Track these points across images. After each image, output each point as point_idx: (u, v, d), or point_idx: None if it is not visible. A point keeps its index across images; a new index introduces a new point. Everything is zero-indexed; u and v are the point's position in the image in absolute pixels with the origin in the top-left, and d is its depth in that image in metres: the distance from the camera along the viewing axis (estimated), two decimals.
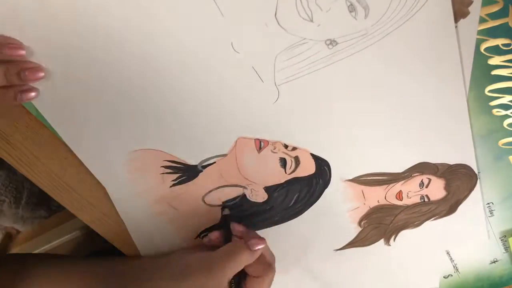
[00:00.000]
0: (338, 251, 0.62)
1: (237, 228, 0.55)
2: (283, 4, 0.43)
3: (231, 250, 0.51)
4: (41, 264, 0.53)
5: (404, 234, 0.61)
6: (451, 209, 0.59)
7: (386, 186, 0.56)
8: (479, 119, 0.52)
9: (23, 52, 0.40)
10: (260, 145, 0.52)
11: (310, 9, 0.43)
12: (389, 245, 0.62)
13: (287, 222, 0.59)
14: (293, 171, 0.54)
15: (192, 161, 0.52)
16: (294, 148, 0.52)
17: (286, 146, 0.52)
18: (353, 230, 0.60)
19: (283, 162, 0.53)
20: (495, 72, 0.49)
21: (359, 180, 0.56)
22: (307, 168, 0.54)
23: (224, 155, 0.52)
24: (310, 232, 0.60)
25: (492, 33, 0.47)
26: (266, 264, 0.53)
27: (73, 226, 0.66)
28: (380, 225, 0.60)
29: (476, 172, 0.56)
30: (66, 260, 0.56)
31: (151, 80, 0.46)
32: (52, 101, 0.45)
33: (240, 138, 0.51)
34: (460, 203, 0.59)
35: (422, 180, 0.56)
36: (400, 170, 0.55)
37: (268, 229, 0.59)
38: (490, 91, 0.51)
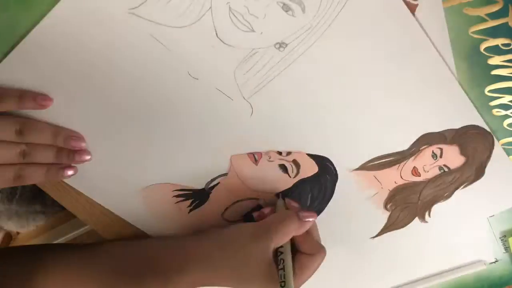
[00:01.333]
0: (376, 238, 0.60)
1: (292, 203, 0.53)
2: (220, 23, 0.43)
3: (280, 217, 0.49)
4: (59, 255, 0.52)
5: (438, 208, 0.58)
6: (478, 173, 0.55)
7: (397, 166, 0.54)
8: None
9: (84, 145, 0.47)
10: (255, 157, 0.52)
11: (247, 20, 0.43)
12: (426, 221, 0.59)
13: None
14: (297, 174, 0.54)
15: (198, 185, 0.54)
16: (288, 153, 0.52)
17: (280, 153, 0.52)
18: (382, 215, 0.58)
19: (284, 168, 0.53)
20: (495, 72, 0.48)
21: (366, 167, 0.54)
22: (310, 168, 0.53)
23: (225, 174, 0.54)
24: (340, 227, 0.59)
25: (492, 33, 0.46)
26: (317, 243, 0.50)
27: (73, 226, 0.66)
28: (408, 204, 0.57)
29: (488, 129, 0.51)
30: (86, 248, 0.55)
31: (139, 126, 0.49)
32: None
33: (233, 156, 0.52)
34: (485, 164, 0.54)
35: (433, 151, 0.53)
36: (405, 147, 0.52)
37: None
38: (490, 91, 0.49)
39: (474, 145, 0.52)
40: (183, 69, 0.46)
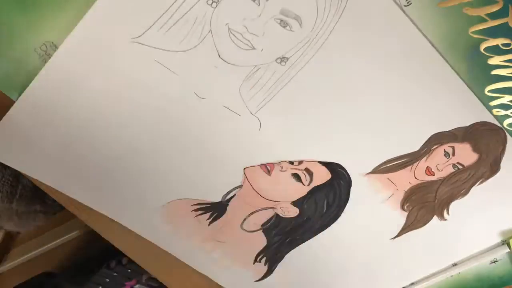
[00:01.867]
0: (395, 239, 0.60)
1: None
2: (221, 45, 0.44)
3: None
4: None
5: (456, 206, 0.57)
6: (494, 168, 0.54)
7: (410, 167, 0.54)
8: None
9: None
10: (267, 169, 0.53)
11: (247, 39, 0.44)
12: (445, 219, 0.58)
13: (330, 228, 0.59)
14: (310, 181, 0.54)
15: (215, 198, 0.56)
16: (300, 162, 0.53)
17: (292, 163, 0.53)
18: (399, 216, 0.58)
19: (297, 177, 0.54)
20: (495, 72, 0.48)
21: (379, 170, 0.54)
22: (323, 175, 0.54)
23: (240, 186, 0.55)
24: (359, 230, 0.59)
25: (492, 33, 0.45)
26: None
27: (73, 226, 0.66)
28: (425, 204, 0.57)
29: (499, 125, 0.51)
30: None
31: (154, 147, 0.51)
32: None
33: (245, 168, 0.53)
34: (500, 159, 0.53)
35: (445, 150, 0.53)
36: (416, 148, 0.53)
37: (319, 238, 0.60)
38: (490, 91, 0.49)
39: (486, 141, 0.52)
40: (190, 90, 0.47)
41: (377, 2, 0.43)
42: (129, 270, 0.68)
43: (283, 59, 0.46)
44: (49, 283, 0.60)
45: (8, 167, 0.50)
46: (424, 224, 0.59)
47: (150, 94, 0.47)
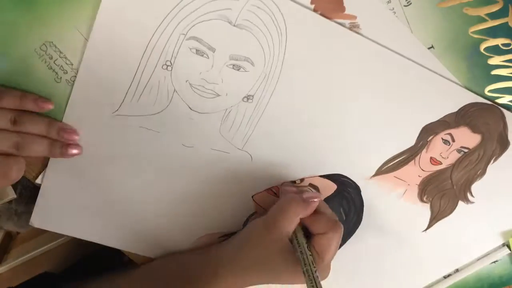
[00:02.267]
0: (427, 231, 0.60)
1: (288, 189, 0.52)
2: (188, 100, 0.48)
3: (282, 203, 0.49)
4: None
5: (478, 187, 0.56)
6: (503, 144, 0.52)
7: (413, 161, 0.53)
8: None
9: (77, 137, 0.49)
10: (274, 192, 0.56)
11: (209, 89, 0.47)
12: (472, 202, 0.57)
13: (355, 235, 0.60)
14: (317, 196, 0.56)
15: (237, 228, 0.59)
16: (302, 179, 0.55)
17: (294, 182, 0.55)
18: (422, 208, 0.57)
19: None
20: (495, 72, 0.48)
21: (383, 171, 0.54)
22: (328, 187, 0.55)
23: (255, 213, 0.58)
24: (385, 230, 0.59)
25: (492, 33, 0.46)
26: (329, 220, 0.48)
27: None
28: (444, 191, 0.56)
29: (490, 103, 0.48)
30: (121, 277, 0.57)
31: (169, 196, 0.55)
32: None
33: (254, 196, 0.56)
34: (506, 134, 0.51)
35: (442, 138, 0.51)
36: (413, 143, 0.52)
37: (352, 244, 0.61)
38: (490, 91, 0.49)
39: (484, 120, 0.50)
40: (177, 142, 0.51)
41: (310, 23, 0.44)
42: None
43: (249, 97, 0.48)
44: (49, 283, 0.60)
45: None
46: (451, 211, 0.58)
47: (147, 157, 0.51)
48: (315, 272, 0.44)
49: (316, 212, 0.49)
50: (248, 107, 0.49)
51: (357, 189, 0.56)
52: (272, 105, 0.49)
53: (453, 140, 0.51)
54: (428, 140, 0.52)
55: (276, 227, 0.48)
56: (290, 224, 0.48)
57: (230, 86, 0.47)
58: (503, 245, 0.61)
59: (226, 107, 0.49)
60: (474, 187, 0.56)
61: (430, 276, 0.62)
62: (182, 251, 0.58)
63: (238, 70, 0.46)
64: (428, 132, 0.51)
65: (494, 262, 0.62)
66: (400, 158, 0.53)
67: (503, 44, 0.46)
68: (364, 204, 0.57)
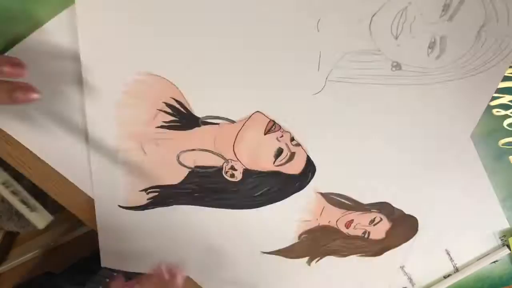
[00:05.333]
0: (265, 255, 0.62)
1: None
2: (386, 10, 0.43)
3: None
4: None
5: (328, 261, 0.64)
6: (379, 252, 0.64)
7: (345, 211, 0.59)
8: (479, 119, 0.53)
9: (24, 71, 0.39)
10: (272, 128, 0.50)
11: (403, 27, 0.44)
12: (309, 265, 0.64)
13: (238, 211, 0.57)
14: (282, 164, 0.53)
15: (198, 112, 0.48)
16: (297, 144, 0.52)
17: (292, 139, 0.51)
18: (290, 240, 0.61)
19: (279, 153, 0.52)
20: None
21: (328, 197, 0.57)
22: (295, 168, 0.54)
23: (231, 121, 0.49)
24: (250, 226, 0.59)
25: None
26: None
27: (73, 226, 0.68)
28: (315, 243, 0.62)
29: (418, 228, 0.62)
30: None
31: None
32: None
33: (258, 112, 0.49)
34: (389, 249, 0.64)
35: (375, 218, 0.60)
36: (365, 202, 0.59)
37: (219, 213, 0.57)
38: None
39: (400, 231, 0.62)
40: (319, 15, 0.43)
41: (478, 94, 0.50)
42: None
43: (397, 66, 0.47)
44: (49, 283, 0.62)
45: (9, 167, 0.50)
46: (295, 258, 0.63)
47: None
48: None
49: None
50: (385, 69, 0.48)
51: (297, 190, 0.56)
52: (387, 90, 0.49)
53: (374, 224, 0.61)
54: (371, 210, 0.59)
55: None
56: None
57: (408, 45, 0.46)
58: (503, 245, 0.64)
59: (381, 49, 0.46)
60: (326, 259, 0.64)
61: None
62: None
63: (429, 47, 0.46)
64: (380, 206, 0.59)
65: (494, 262, 0.64)
66: (346, 202, 0.58)
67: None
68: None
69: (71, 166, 0.51)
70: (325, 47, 0.45)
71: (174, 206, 0.55)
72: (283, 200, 0.57)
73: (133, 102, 0.47)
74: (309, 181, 0.56)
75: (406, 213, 0.61)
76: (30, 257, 0.67)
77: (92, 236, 0.58)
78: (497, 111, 0.53)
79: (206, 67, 0.45)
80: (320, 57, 0.46)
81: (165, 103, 0.47)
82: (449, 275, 0.69)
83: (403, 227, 0.62)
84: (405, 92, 0.49)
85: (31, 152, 0.49)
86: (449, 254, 0.67)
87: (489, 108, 0.53)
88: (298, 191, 0.56)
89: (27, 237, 0.71)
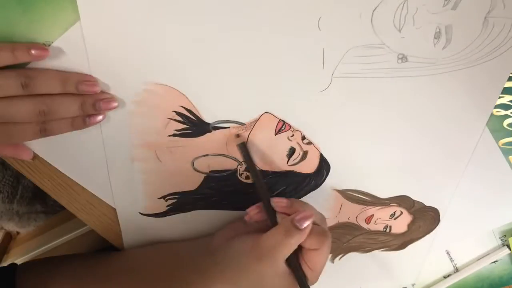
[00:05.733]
0: None
1: (279, 203, 0.50)
2: (387, 4, 0.43)
3: (279, 236, 0.47)
4: (64, 264, 0.55)
5: (351, 257, 0.64)
6: (402, 246, 0.64)
7: (363, 207, 0.59)
8: None
9: (98, 88, 0.44)
10: (282, 127, 0.50)
11: (405, 19, 0.44)
12: (333, 262, 0.64)
13: None
14: (295, 164, 0.54)
15: (208, 118, 0.49)
16: (309, 143, 0.52)
17: (303, 138, 0.52)
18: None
19: (291, 152, 0.53)
20: None
21: (345, 194, 0.57)
22: (309, 166, 0.54)
23: (242, 124, 0.50)
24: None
25: None
26: (319, 234, 0.48)
27: (73, 226, 0.67)
28: (337, 240, 0.62)
29: (441, 219, 0.61)
30: (87, 257, 0.58)
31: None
32: None
33: (266, 113, 0.49)
34: (412, 242, 0.64)
35: (395, 212, 0.60)
36: (383, 196, 0.58)
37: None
38: None
39: (421, 224, 0.61)
40: (319, 13, 0.43)
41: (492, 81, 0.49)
42: None
43: (403, 58, 0.47)
44: None
45: (9, 167, 0.53)
46: None
47: None
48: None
49: None
50: (391, 61, 0.47)
51: (313, 188, 0.57)
52: (396, 82, 0.48)
53: (395, 218, 0.60)
54: (391, 204, 0.59)
55: (273, 261, 0.47)
56: (288, 253, 0.48)
57: (413, 37, 0.46)
58: (503, 245, 0.65)
59: (385, 43, 0.46)
60: (348, 255, 0.64)
61: None
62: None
63: (435, 38, 0.46)
64: (399, 200, 0.59)
65: (494, 262, 0.65)
66: (364, 197, 0.58)
67: None
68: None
69: (90, 178, 0.53)
70: (328, 44, 0.45)
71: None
72: (300, 199, 0.57)
73: (144, 112, 0.48)
74: (325, 179, 0.56)
75: (427, 205, 0.60)
76: (30, 257, 0.66)
77: (92, 236, 0.59)
78: (497, 111, 0.53)
79: (211, 74, 0.46)
80: (324, 54, 0.46)
81: (175, 111, 0.48)
82: (449, 275, 0.68)
83: (425, 219, 0.61)
84: (413, 83, 0.48)
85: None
86: (449, 254, 0.68)
87: None
88: (314, 189, 0.56)
89: (27, 237, 0.70)
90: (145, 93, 0.46)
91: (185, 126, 0.49)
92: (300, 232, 0.47)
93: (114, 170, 0.52)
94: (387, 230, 0.62)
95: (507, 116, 0.54)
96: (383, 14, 0.44)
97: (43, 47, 0.41)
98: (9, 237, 0.70)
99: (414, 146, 0.54)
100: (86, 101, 0.44)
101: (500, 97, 0.52)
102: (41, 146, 0.49)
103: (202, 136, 0.50)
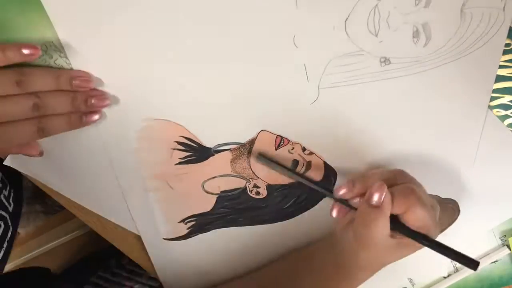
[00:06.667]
0: None
1: (341, 193, 0.48)
2: (357, 13, 0.44)
3: (364, 221, 0.46)
4: None
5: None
6: None
7: None
8: None
9: (92, 84, 0.45)
10: (280, 142, 0.52)
11: (380, 24, 0.45)
12: None
13: (272, 225, 0.59)
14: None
15: (208, 143, 0.51)
16: (310, 153, 0.53)
17: (304, 149, 0.53)
18: None
19: (295, 164, 0.54)
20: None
21: None
22: (315, 175, 0.55)
23: (241, 144, 0.52)
24: (292, 236, 0.61)
25: None
26: (401, 193, 0.45)
27: (73, 226, 0.67)
28: None
29: (460, 209, 0.60)
30: None
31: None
32: None
33: (263, 131, 0.51)
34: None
35: None
36: None
37: (254, 229, 0.60)
38: None
39: (441, 215, 0.61)
40: (293, 31, 0.44)
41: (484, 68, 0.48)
42: (129, 270, 0.68)
43: (386, 61, 0.47)
44: (49, 283, 0.63)
45: (9, 168, 0.50)
46: None
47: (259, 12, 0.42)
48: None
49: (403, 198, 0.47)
50: (374, 66, 0.48)
51: (324, 196, 0.57)
52: (384, 84, 0.49)
53: None
54: None
55: (372, 244, 0.46)
56: (383, 229, 0.46)
57: (391, 39, 0.46)
58: (503, 245, 0.65)
59: (364, 49, 0.46)
60: None
61: None
62: None
63: (413, 37, 0.46)
64: None
65: (494, 262, 0.65)
66: None
67: (504, 44, 0.47)
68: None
69: (112, 211, 0.57)
70: (308, 59, 0.46)
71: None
72: (313, 208, 0.59)
73: (147, 146, 0.51)
74: (334, 185, 0.57)
75: (443, 197, 0.60)
76: (30, 257, 0.65)
77: (92, 236, 0.60)
78: (497, 111, 0.52)
79: (205, 104, 0.48)
80: (306, 69, 0.47)
81: (176, 142, 0.51)
82: (449, 275, 0.67)
83: (444, 211, 0.61)
84: (402, 83, 0.48)
85: None
86: None
87: (489, 108, 0.52)
88: (325, 196, 0.57)
89: (27, 237, 0.69)
90: (145, 129, 0.49)
91: (188, 153, 0.52)
92: (380, 208, 0.45)
93: (132, 202, 0.55)
94: None
95: (507, 116, 0.53)
96: (356, 23, 0.44)
97: (34, 46, 0.41)
98: None
99: (417, 141, 0.54)
100: (77, 97, 0.44)
101: (500, 97, 0.51)
102: (67, 189, 0.53)
103: (206, 161, 0.53)
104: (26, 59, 0.41)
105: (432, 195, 0.58)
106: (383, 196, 0.45)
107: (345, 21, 0.44)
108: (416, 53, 0.47)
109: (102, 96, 0.45)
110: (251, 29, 0.44)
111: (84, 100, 0.44)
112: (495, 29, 0.46)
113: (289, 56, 0.46)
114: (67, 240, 0.67)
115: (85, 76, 0.44)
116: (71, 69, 0.44)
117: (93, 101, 0.45)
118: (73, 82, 0.43)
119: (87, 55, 0.43)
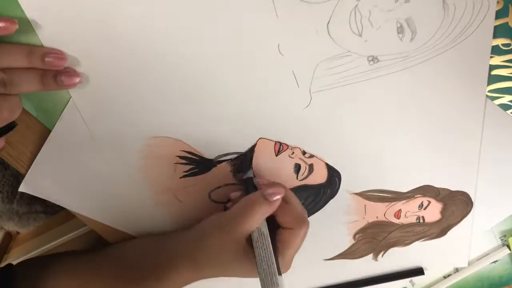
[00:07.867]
0: (328, 261, 0.64)
1: (261, 182, 0.51)
2: (338, 15, 0.44)
3: (244, 204, 0.48)
4: (63, 262, 0.55)
5: (392, 252, 0.64)
6: (442, 233, 0.63)
7: (388, 203, 0.59)
8: None
9: (65, 62, 0.43)
10: (280, 148, 0.53)
11: (362, 24, 0.45)
12: (377, 260, 0.64)
13: None
14: (305, 178, 0.55)
15: (209, 155, 0.52)
16: (311, 156, 0.54)
17: (304, 153, 0.53)
18: (347, 243, 0.63)
19: (297, 168, 0.54)
20: (495, 72, 0.49)
21: (364, 195, 0.58)
22: (319, 177, 0.56)
23: (241, 153, 0.53)
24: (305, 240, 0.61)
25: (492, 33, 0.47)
26: (297, 216, 0.49)
27: (73, 226, 0.67)
28: (373, 240, 0.62)
29: (473, 200, 0.59)
30: (88, 254, 0.58)
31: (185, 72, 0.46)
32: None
33: (261, 139, 0.52)
34: (451, 228, 0.62)
35: (422, 202, 0.59)
36: (405, 190, 0.58)
37: None
38: (490, 91, 0.51)
39: (454, 209, 0.60)
40: (276, 40, 0.45)
41: (474, 58, 0.48)
42: None
43: (374, 59, 0.47)
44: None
45: (9, 167, 0.51)
46: (360, 257, 0.64)
47: (239, 24, 0.43)
48: (277, 265, 0.45)
49: (287, 203, 0.50)
50: (363, 65, 0.47)
51: (332, 195, 0.58)
52: (375, 82, 0.49)
53: (425, 208, 0.60)
54: (415, 196, 0.59)
55: (233, 229, 0.48)
56: (252, 225, 0.48)
57: (376, 38, 0.46)
58: (503, 245, 0.65)
59: (351, 50, 0.46)
60: (390, 251, 0.64)
61: None
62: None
63: (398, 33, 0.45)
64: (422, 191, 0.58)
65: (494, 262, 0.65)
66: (385, 195, 0.58)
67: (503, 44, 0.47)
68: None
69: (128, 224, 0.59)
70: (295, 65, 0.46)
71: None
72: (322, 209, 0.59)
73: (151, 164, 0.52)
74: (339, 186, 0.57)
75: (453, 190, 0.59)
76: (30, 257, 0.64)
77: (92, 236, 0.60)
78: None
79: (201, 119, 0.49)
80: (294, 75, 0.47)
81: (178, 156, 0.52)
82: (449, 275, 0.67)
83: (456, 203, 0.60)
84: (393, 79, 0.48)
85: (31, 152, 0.50)
86: None
87: None
88: (332, 197, 0.57)
89: (27, 237, 0.69)
90: (147, 148, 0.51)
91: (191, 166, 0.53)
92: (268, 203, 0.47)
93: (145, 217, 0.57)
94: (421, 221, 0.61)
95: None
96: (338, 25, 0.44)
97: (10, 19, 0.39)
98: (9, 237, 0.70)
99: (419, 136, 0.53)
100: (47, 73, 0.43)
101: (500, 97, 0.51)
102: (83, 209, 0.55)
103: (210, 172, 0.54)
104: (1, 33, 0.39)
105: (442, 188, 0.58)
106: (279, 197, 0.48)
107: (327, 24, 0.44)
108: (404, 49, 0.47)
109: (72, 73, 0.44)
110: (237, 43, 0.45)
111: (53, 76, 0.43)
112: (482, 15, 0.45)
113: (277, 65, 0.46)
114: (67, 240, 0.66)
115: (59, 53, 0.43)
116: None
117: (63, 78, 0.43)
118: (46, 59, 0.42)
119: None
